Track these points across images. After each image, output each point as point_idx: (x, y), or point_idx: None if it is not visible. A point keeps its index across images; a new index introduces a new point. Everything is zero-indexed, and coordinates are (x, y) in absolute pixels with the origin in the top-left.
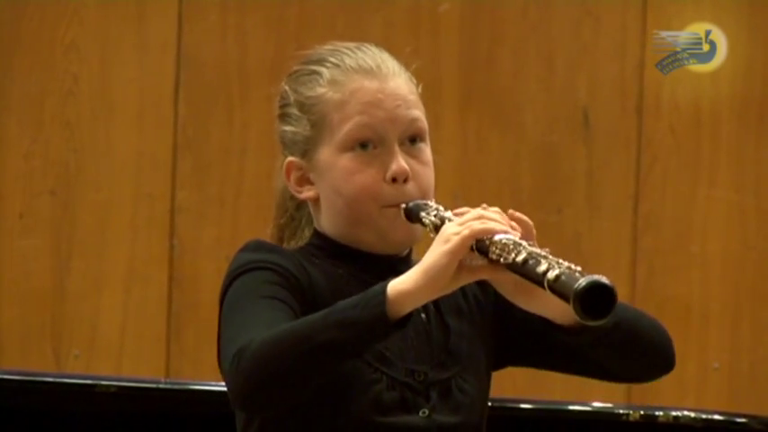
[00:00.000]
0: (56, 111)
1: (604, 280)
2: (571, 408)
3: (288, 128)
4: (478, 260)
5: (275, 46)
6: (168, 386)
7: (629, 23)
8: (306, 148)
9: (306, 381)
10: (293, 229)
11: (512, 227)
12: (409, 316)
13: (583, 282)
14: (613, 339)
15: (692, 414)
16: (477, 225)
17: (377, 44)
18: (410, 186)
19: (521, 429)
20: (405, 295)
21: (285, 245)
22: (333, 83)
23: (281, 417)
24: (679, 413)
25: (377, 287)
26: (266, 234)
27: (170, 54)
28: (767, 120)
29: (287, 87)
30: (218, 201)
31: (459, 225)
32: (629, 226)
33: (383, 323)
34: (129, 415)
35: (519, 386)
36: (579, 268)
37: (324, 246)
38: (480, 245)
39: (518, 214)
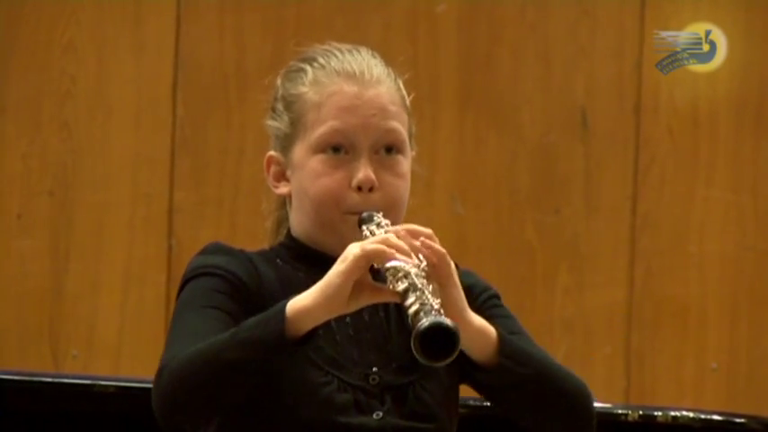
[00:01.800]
0: (53, 111)
1: (448, 323)
2: None
3: (272, 122)
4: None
5: (273, 47)
6: None
7: (627, 23)
8: (284, 145)
9: (219, 399)
10: (282, 224)
11: (417, 255)
12: (313, 332)
13: (425, 322)
14: (526, 389)
15: (691, 414)
16: (370, 247)
17: (375, 45)
18: (375, 196)
19: (519, 430)
20: (303, 313)
21: (275, 238)
22: (314, 83)
23: (233, 421)
24: (677, 413)
25: (279, 305)
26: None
27: (168, 55)
28: (764, 120)
29: (278, 81)
30: (216, 201)
31: (359, 245)
32: (626, 226)
33: (283, 341)
34: (127, 415)
35: None
36: (439, 308)
37: (291, 247)
38: (378, 269)
39: (430, 243)
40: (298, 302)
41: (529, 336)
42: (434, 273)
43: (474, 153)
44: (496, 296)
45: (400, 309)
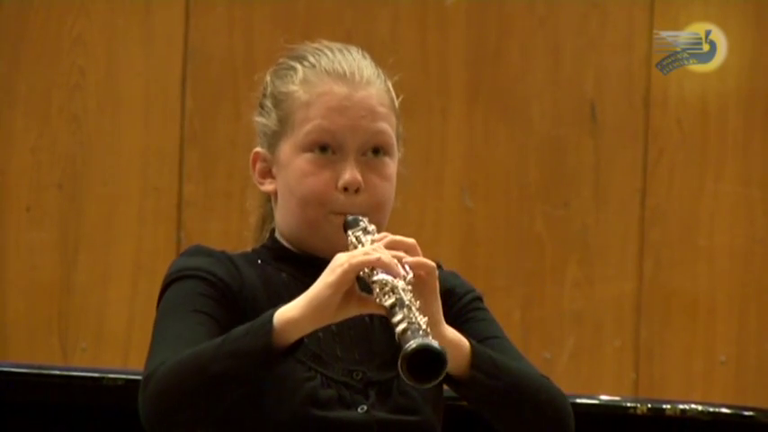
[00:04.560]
0: (62, 104)
1: (434, 344)
2: (579, 401)
3: (259, 119)
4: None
5: (282, 40)
6: None
7: (637, 17)
8: (271, 142)
9: (206, 408)
10: (266, 221)
11: (404, 266)
12: (299, 343)
13: (413, 344)
14: (497, 404)
15: (700, 407)
16: (357, 260)
17: (384, 38)
18: (361, 198)
19: None
20: (291, 324)
21: (260, 235)
22: (304, 82)
23: (219, 418)
24: (686, 406)
25: (266, 315)
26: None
27: (177, 47)
28: None
29: (268, 78)
30: (225, 194)
31: (347, 256)
32: (636, 219)
33: (270, 352)
34: (135, 408)
35: None
36: (426, 328)
37: (273, 248)
38: (365, 281)
39: (419, 258)
40: (285, 313)
41: (509, 341)
42: (420, 285)
43: (483, 146)
44: (479, 298)
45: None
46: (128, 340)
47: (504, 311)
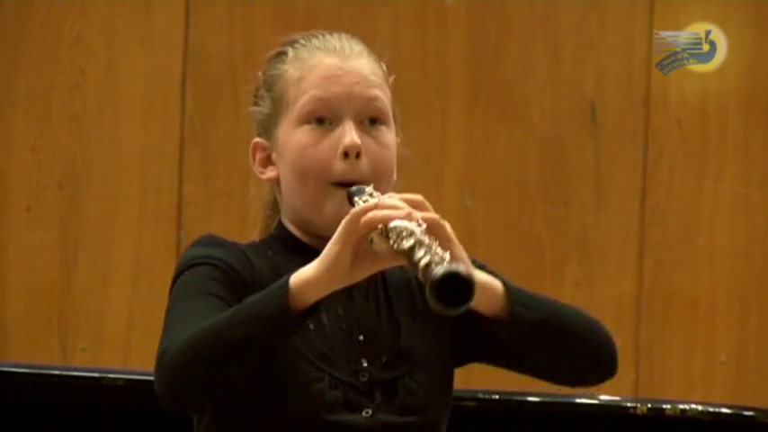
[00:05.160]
0: (63, 104)
1: (461, 269)
2: (578, 401)
3: (255, 108)
4: (384, 247)
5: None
6: None
7: (637, 17)
8: (267, 126)
9: (224, 379)
10: (273, 212)
11: (414, 216)
12: (317, 305)
13: (439, 271)
14: (541, 335)
15: (700, 407)
16: (360, 207)
17: (384, 38)
18: (363, 163)
19: (528, 423)
20: (306, 285)
21: (265, 226)
22: (295, 60)
23: (225, 414)
24: (686, 406)
25: (282, 279)
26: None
27: (177, 47)
28: None
29: (261, 72)
30: (225, 194)
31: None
32: (636, 219)
33: (287, 315)
34: (136, 408)
35: (525, 379)
36: (447, 257)
37: (282, 238)
38: (382, 231)
39: (428, 211)
40: (300, 275)
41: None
42: (436, 232)
43: (483, 146)
44: (483, 266)
45: (390, 300)
46: (128, 340)
47: None
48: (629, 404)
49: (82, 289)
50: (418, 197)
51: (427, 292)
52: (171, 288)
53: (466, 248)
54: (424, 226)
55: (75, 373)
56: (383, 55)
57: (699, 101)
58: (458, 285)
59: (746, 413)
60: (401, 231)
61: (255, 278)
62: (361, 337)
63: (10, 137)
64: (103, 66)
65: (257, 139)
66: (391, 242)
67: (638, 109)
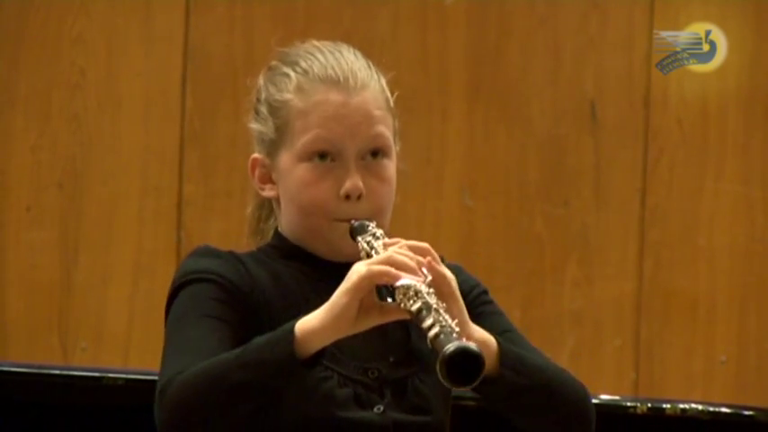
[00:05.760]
0: (63, 104)
1: (472, 347)
2: None
3: (256, 126)
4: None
5: (282, 39)
6: None
7: (637, 17)
8: (270, 150)
9: (224, 418)
10: (268, 219)
11: (422, 272)
12: (321, 353)
13: (451, 347)
14: (527, 399)
15: (700, 407)
16: (377, 269)
17: (384, 37)
18: (363, 204)
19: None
20: (312, 334)
21: (254, 238)
22: (299, 90)
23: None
24: (686, 406)
25: (287, 325)
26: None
27: (177, 47)
28: None
29: (261, 82)
30: (226, 194)
31: (366, 264)
32: (636, 219)
33: (292, 363)
34: (136, 408)
35: None
36: (458, 329)
37: (280, 246)
38: (387, 287)
39: (433, 263)
40: (306, 323)
41: (519, 332)
42: (438, 289)
43: (483, 146)
44: (485, 292)
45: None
46: (128, 340)
47: (504, 311)
48: (629, 403)
49: (82, 289)
50: (425, 245)
51: (438, 366)
52: (168, 304)
53: (466, 248)
54: (430, 278)
55: (75, 373)
56: (383, 55)
57: (699, 101)
58: (466, 360)
59: (746, 413)
60: (407, 290)
61: (255, 287)
62: (369, 337)
63: (10, 137)
64: (103, 65)
65: (258, 156)
66: (398, 300)
67: (638, 109)
